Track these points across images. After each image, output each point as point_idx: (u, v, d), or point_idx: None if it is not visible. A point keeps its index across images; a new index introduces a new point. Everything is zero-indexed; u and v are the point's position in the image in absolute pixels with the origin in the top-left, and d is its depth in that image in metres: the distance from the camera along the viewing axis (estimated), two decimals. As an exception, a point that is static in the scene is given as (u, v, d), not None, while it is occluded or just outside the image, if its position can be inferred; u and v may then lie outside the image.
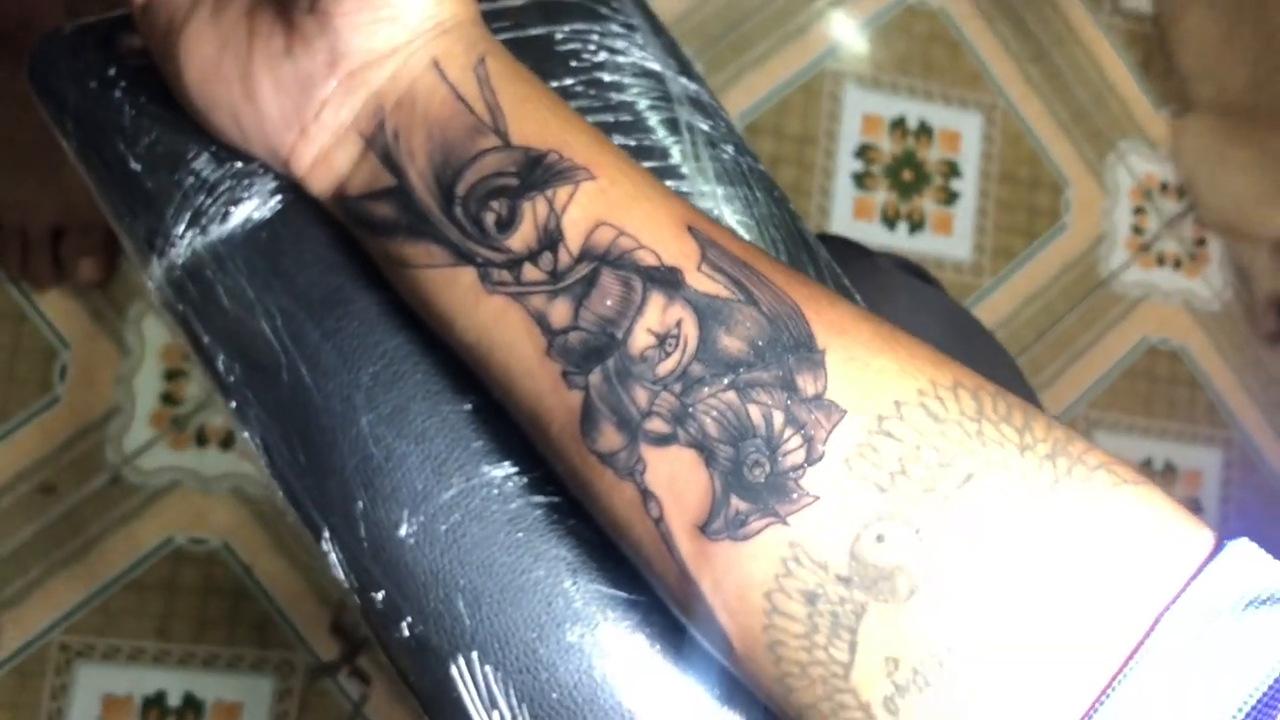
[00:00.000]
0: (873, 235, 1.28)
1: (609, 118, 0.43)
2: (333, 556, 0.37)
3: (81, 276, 1.06)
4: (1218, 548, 0.32)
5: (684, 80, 0.44)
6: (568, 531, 0.38)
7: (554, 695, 0.37)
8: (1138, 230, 1.38)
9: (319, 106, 0.36)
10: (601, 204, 0.34)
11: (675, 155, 0.43)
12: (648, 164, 0.43)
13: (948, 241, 1.30)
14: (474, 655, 0.37)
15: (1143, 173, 1.38)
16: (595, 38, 0.43)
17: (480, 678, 0.37)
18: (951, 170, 1.30)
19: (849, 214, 1.28)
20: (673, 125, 0.43)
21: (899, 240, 1.29)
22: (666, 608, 0.38)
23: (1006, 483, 0.32)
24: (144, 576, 1.09)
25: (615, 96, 0.43)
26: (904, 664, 0.32)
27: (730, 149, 0.43)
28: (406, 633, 0.37)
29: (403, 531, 0.37)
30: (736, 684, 0.39)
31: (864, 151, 1.29)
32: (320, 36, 0.35)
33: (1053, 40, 1.36)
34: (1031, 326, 1.31)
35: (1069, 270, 1.33)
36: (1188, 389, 1.36)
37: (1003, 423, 0.33)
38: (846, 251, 0.59)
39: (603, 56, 0.43)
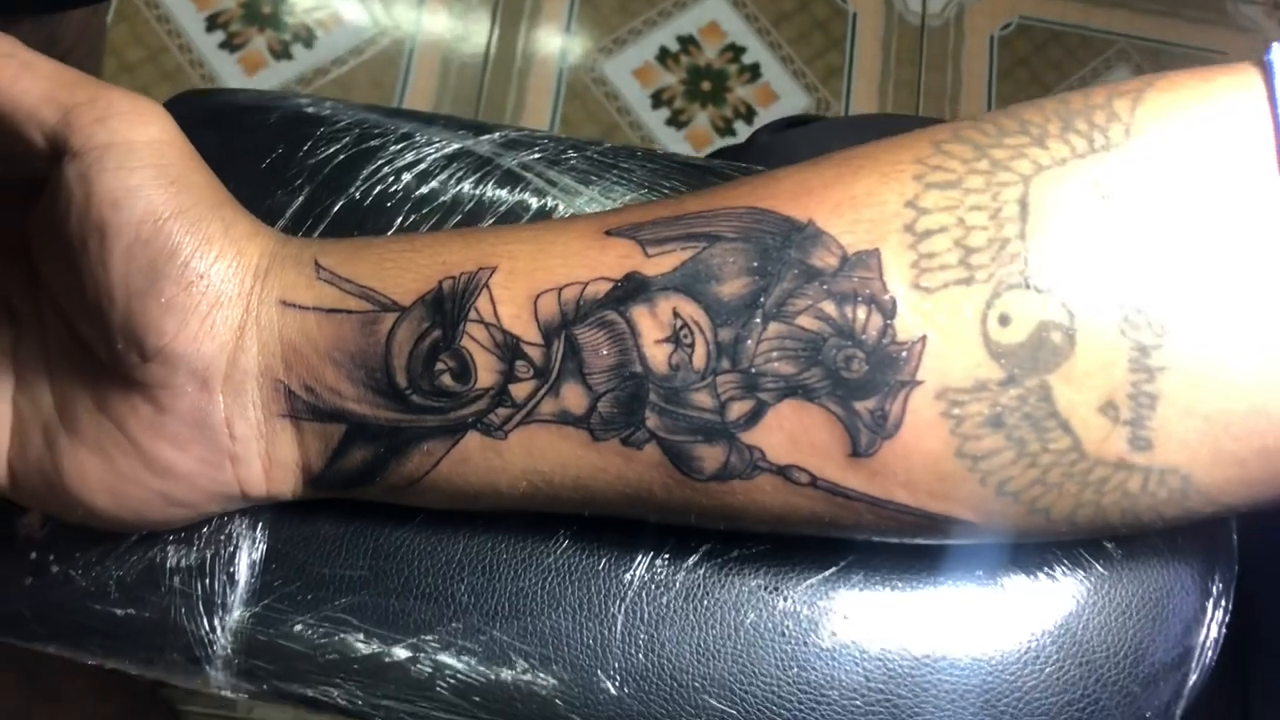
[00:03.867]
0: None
1: (463, 210, 0.40)
2: (576, 766, 0.34)
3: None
4: (1267, 68, 0.29)
5: (484, 137, 0.41)
6: (737, 563, 0.35)
7: (858, 704, 0.34)
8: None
9: (227, 429, 0.32)
10: (520, 283, 0.31)
11: (533, 198, 0.40)
12: (526, 217, 0.40)
13: (782, 105, 1.28)
14: (764, 733, 0.34)
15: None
16: (386, 170, 0.40)
17: (787, 746, 0.33)
18: (735, 51, 1.29)
19: (693, 152, 1.26)
20: (510, 176, 0.40)
21: (745, 137, 1.27)
22: (878, 552, 0.35)
23: (1055, 179, 0.29)
24: None
25: (445, 197, 0.40)
26: (1120, 399, 0.29)
27: (570, 152, 0.41)
28: (694, 768, 0.34)
29: (613, 690, 0.34)
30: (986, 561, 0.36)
31: (658, 97, 1.27)
32: (175, 373, 0.31)
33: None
34: (904, 109, 1.30)
35: (889, 41, 1.32)
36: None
37: (1003, 138, 0.30)
38: (734, 157, 0.56)
39: (406, 178, 0.40)
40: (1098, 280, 0.29)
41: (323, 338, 0.32)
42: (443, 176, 0.40)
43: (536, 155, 0.41)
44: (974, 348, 0.29)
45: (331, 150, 0.41)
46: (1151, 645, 0.35)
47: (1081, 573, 0.35)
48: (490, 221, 0.40)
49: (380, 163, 0.41)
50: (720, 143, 1.27)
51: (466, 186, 0.40)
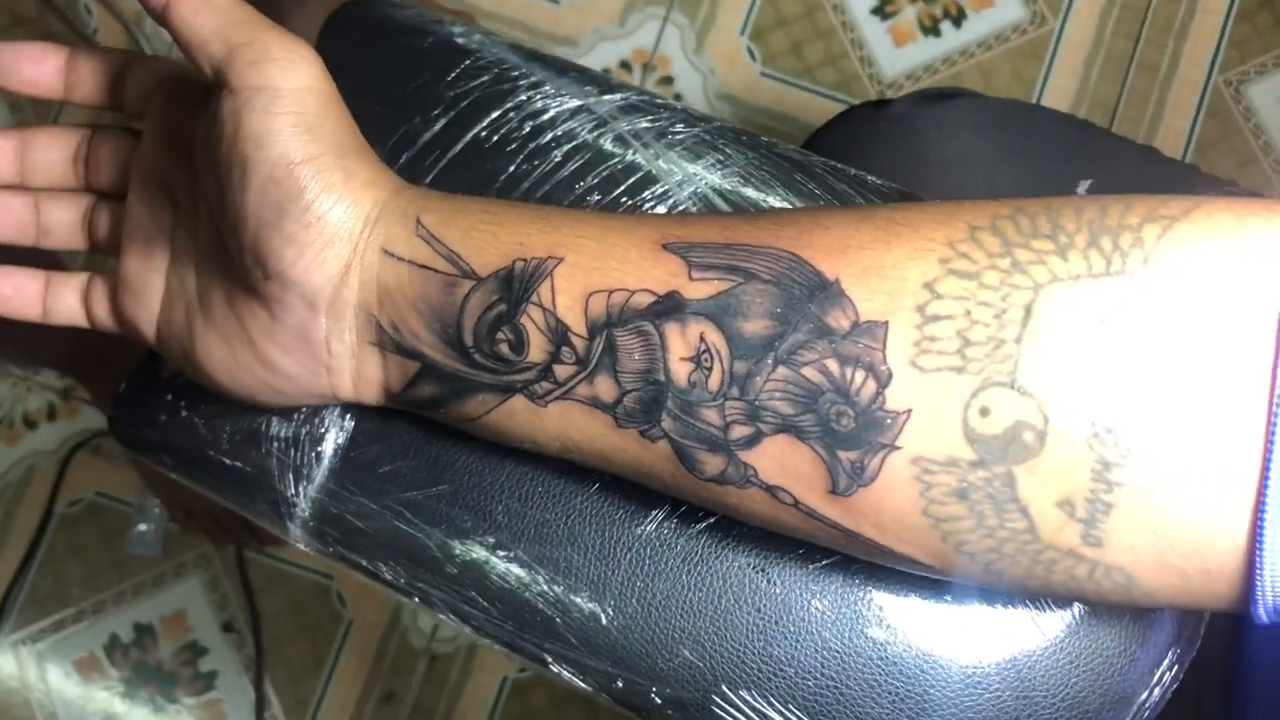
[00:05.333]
0: (925, 51, 1.23)
1: (569, 168, 0.44)
2: (565, 674, 0.40)
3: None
4: None
5: (606, 98, 0.45)
6: (736, 540, 0.40)
7: (810, 684, 0.39)
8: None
9: (325, 345, 0.38)
10: (579, 277, 0.35)
11: (641, 164, 0.44)
12: (626, 183, 0.44)
13: (996, 12, 1.24)
14: (724, 689, 0.39)
15: None
16: (512, 115, 0.44)
17: (741, 703, 0.39)
18: (958, -54, 1.24)
19: (890, 49, 1.24)
20: (621, 141, 0.44)
21: (950, 41, 1.23)
22: (858, 559, 0.39)
23: (1063, 294, 0.31)
24: (504, 718, 1.17)
25: (559, 152, 0.44)
26: (1077, 500, 0.31)
27: (680, 128, 0.44)
28: (659, 700, 0.39)
29: (604, 621, 0.40)
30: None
31: (869, -16, 1.24)
32: (287, 293, 0.37)
33: None
34: (1124, 34, 1.23)
35: (1126, -40, 1.24)
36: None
37: (1031, 239, 0.32)
38: (860, 122, 0.58)
39: (528, 126, 0.44)
40: (1077, 395, 0.31)
41: (411, 288, 0.37)
42: (559, 131, 0.44)
43: (646, 124, 0.44)
44: (953, 430, 0.32)
45: (470, 86, 0.45)
46: (1091, 696, 0.38)
47: (1040, 615, 0.39)
48: (589, 179, 0.44)
49: (509, 106, 0.45)
50: (922, 40, 1.24)
51: (581, 141, 0.44)
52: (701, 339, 0.34)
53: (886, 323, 0.32)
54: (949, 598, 0.39)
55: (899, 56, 1.24)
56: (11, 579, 1.17)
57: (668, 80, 1.24)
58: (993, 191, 0.53)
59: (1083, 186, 0.52)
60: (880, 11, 1.24)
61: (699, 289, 0.34)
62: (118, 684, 1.16)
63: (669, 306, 0.34)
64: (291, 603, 1.17)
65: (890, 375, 0.32)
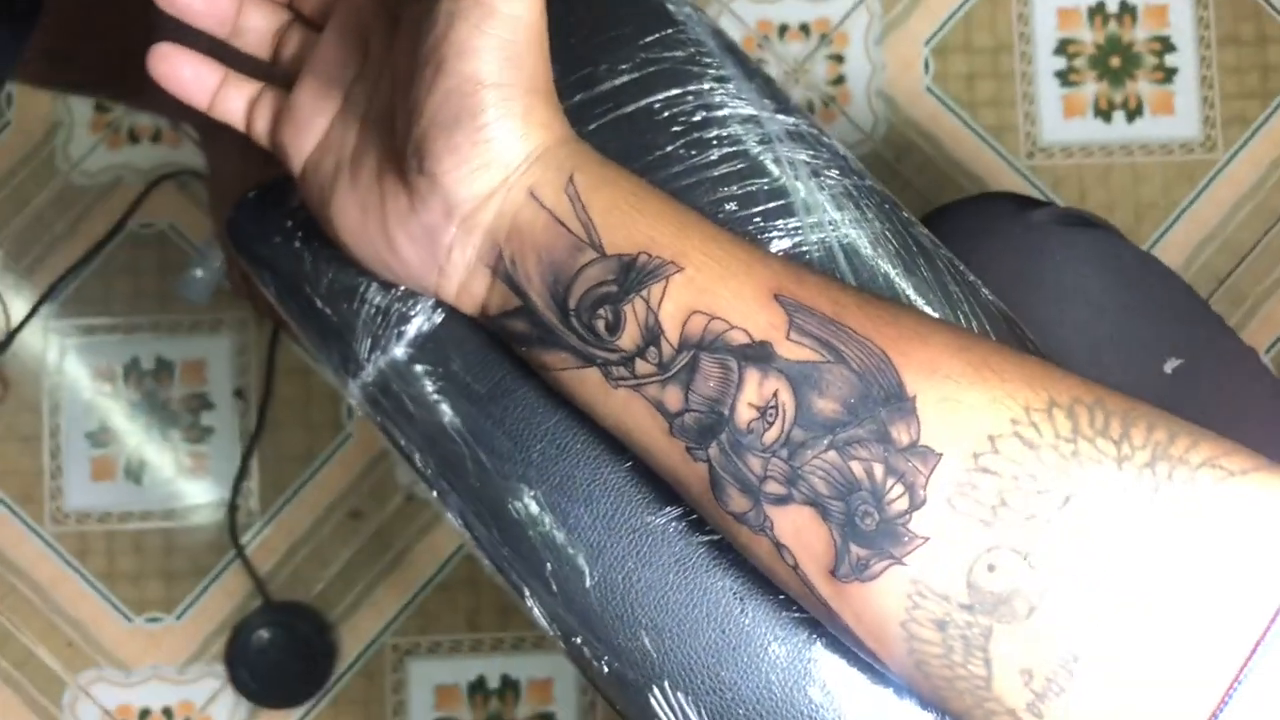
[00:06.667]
0: (1088, 132, 1.22)
1: (720, 170, 0.46)
2: (536, 611, 0.43)
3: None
4: None
5: (780, 117, 0.46)
6: (730, 564, 0.43)
7: (740, 711, 0.42)
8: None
9: (447, 250, 0.41)
10: (690, 293, 0.38)
11: (788, 193, 0.46)
12: (765, 205, 0.46)
13: (1173, 121, 1.22)
14: (665, 684, 0.42)
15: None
16: (690, 99, 0.46)
17: (675, 703, 0.42)
18: (1165, 46, 1.22)
19: (1058, 115, 1.23)
20: (778, 163, 0.46)
21: (1117, 132, 1.22)
22: (830, 622, 0.42)
23: (1105, 499, 0.33)
24: (449, 578, 1.22)
25: (718, 151, 0.46)
26: (1037, 674, 0.34)
27: (834, 173, 0.46)
28: (606, 669, 0.43)
29: (587, 583, 0.43)
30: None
31: (1064, 46, 1.23)
32: (433, 193, 0.40)
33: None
34: (1283, 193, 1.22)
35: (1318, 124, 1.22)
36: None
37: (1099, 437, 0.34)
38: (996, 216, 0.59)
39: (700, 116, 0.46)
40: (1078, 589, 0.33)
41: (542, 236, 0.39)
42: (725, 132, 0.46)
43: (805, 157, 0.46)
44: (957, 572, 0.34)
45: (663, 55, 0.47)
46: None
47: (966, 743, 0.42)
48: (732, 188, 0.45)
49: (690, 89, 0.46)
50: (1090, 120, 1.23)
51: (742, 149, 0.46)
52: (775, 395, 0.36)
53: (941, 455, 0.35)
54: (892, 689, 0.42)
55: (1062, 127, 1.23)
56: (65, 270, 1.22)
57: (838, 59, 1.24)
58: (1087, 335, 0.55)
59: (1170, 364, 0.54)
60: (1063, 76, 1.23)
61: (791, 350, 0.36)
62: (124, 403, 1.22)
63: (758, 354, 0.37)
64: (304, 394, 1.22)
65: (924, 502, 0.35)
